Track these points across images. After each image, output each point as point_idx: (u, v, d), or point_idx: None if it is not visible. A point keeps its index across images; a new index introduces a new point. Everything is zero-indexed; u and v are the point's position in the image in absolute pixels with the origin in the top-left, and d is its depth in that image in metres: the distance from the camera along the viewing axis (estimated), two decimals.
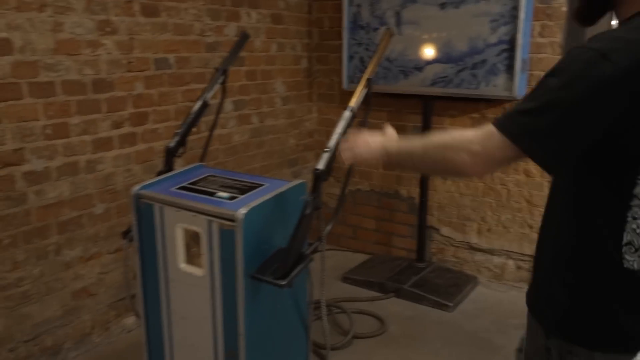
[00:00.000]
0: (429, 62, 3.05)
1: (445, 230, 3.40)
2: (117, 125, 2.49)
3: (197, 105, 2.06)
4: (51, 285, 2.35)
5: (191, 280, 1.73)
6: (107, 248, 2.55)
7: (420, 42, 3.06)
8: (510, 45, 2.76)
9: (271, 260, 1.69)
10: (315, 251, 1.72)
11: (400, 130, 3.46)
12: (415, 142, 1.18)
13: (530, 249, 3.11)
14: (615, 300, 1.00)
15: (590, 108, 0.90)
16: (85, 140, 2.38)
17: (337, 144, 1.68)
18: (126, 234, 1.95)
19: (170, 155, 2.03)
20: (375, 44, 3.20)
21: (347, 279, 3.27)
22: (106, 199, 2.50)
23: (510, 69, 2.79)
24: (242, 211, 1.60)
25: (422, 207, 3.30)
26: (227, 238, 1.64)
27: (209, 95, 2.10)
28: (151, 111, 2.64)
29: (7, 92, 2.08)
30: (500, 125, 0.99)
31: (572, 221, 1.04)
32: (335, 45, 3.49)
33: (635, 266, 0.97)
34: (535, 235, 1.18)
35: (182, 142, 2.04)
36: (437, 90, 3.04)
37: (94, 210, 2.46)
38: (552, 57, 2.83)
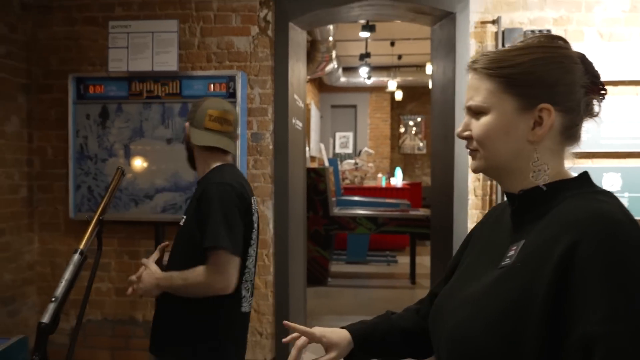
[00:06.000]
0: (159, 191, 3.58)
1: None
2: None
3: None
4: None
5: None
6: None
7: (149, 173, 3.58)
8: None
9: None
10: None
11: (134, 255, 3.80)
12: None
13: None
14: None
15: None
16: None
17: (66, 292, 1.63)
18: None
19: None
20: (103, 174, 3.60)
21: None
22: None
23: None
24: None
25: None
26: None
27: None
28: None
29: None
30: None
31: None
32: (60, 174, 3.74)
33: None
34: None
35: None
36: (167, 217, 3.57)
37: None
38: (264, 186, 3.66)
